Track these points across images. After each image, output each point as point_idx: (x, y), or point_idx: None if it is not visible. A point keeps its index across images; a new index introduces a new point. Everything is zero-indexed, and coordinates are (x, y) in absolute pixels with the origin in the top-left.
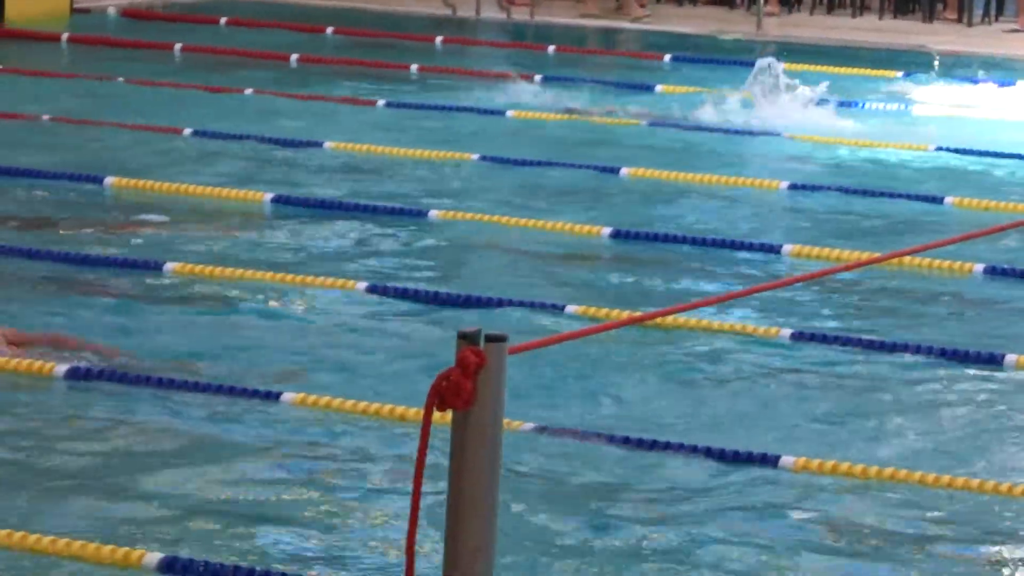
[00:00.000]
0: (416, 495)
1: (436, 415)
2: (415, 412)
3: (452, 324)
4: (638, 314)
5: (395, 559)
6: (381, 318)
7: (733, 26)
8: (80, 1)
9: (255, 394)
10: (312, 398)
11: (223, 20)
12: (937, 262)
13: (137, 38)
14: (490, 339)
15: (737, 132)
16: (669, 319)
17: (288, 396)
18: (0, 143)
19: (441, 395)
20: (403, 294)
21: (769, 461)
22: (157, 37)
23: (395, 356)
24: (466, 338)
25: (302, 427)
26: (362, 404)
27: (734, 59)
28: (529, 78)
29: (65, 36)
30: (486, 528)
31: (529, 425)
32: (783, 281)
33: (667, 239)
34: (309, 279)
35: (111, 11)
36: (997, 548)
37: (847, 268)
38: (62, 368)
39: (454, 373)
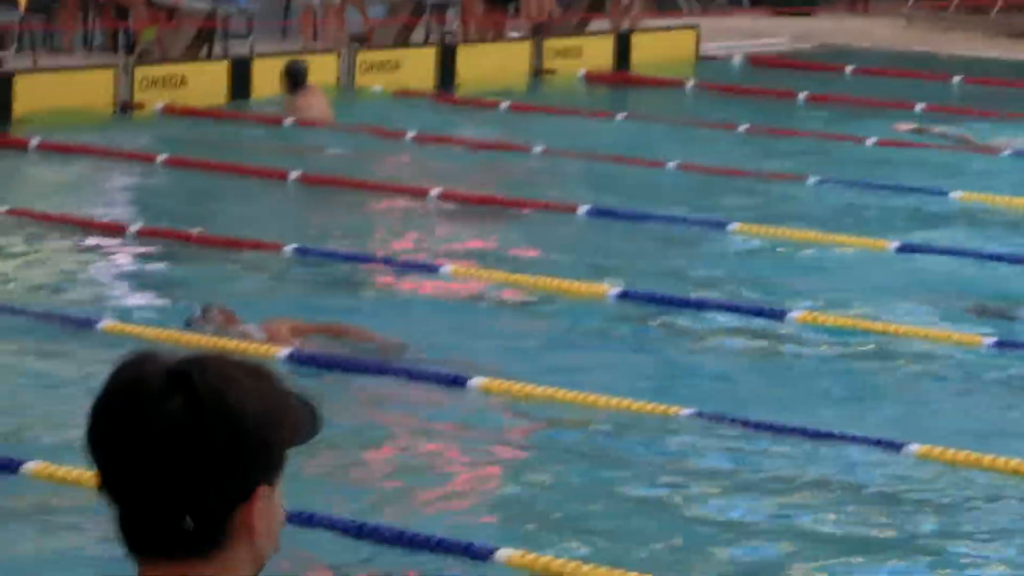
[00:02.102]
0: None
1: None
2: None
3: None
4: None
5: None
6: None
7: None
8: (707, 49)
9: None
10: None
11: (849, 68)
12: None
13: (762, 86)
14: None
15: None
16: None
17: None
18: (627, 188)
19: None
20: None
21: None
22: (781, 85)
23: None
24: None
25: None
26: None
27: None
28: None
29: (690, 83)
30: None
31: None
32: None
33: None
34: (926, 331)
35: (736, 58)
36: None
37: None
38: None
39: None
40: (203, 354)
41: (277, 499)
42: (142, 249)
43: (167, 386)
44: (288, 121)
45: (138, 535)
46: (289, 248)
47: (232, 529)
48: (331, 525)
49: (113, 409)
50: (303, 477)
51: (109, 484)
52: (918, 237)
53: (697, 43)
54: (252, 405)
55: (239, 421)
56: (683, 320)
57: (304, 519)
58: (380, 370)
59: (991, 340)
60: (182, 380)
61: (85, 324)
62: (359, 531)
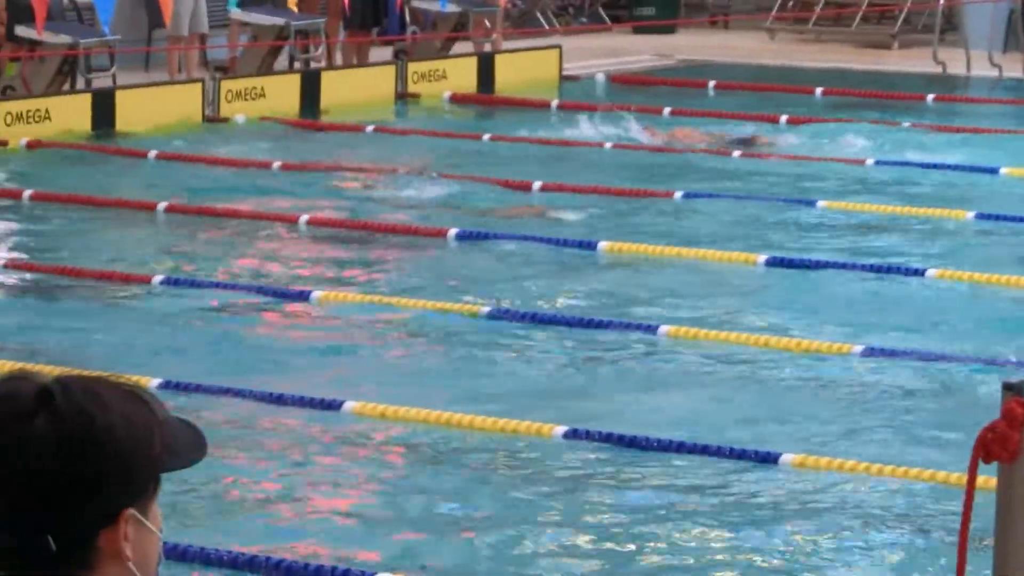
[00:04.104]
0: (962, 550)
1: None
2: (945, 475)
3: (962, 384)
4: None
5: None
6: (885, 380)
7: None
8: (569, 68)
9: (755, 456)
10: (812, 459)
11: (711, 84)
12: None
13: (625, 103)
14: None
15: None
16: None
17: (787, 458)
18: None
19: (987, 447)
20: (901, 355)
21: None
22: (645, 102)
23: (918, 417)
24: (1011, 389)
25: (803, 487)
26: (875, 466)
27: None
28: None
29: (555, 103)
30: None
31: None
32: None
33: None
34: (804, 343)
35: (599, 77)
36: None
37: None
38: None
39: (1000, 425)
40: (77, 375)
41: (150, 525)
42: (10, 282)
43: (35, 404)
44: (152, 153)
45: (4, 554)
46: (158, 279)
47: (98, 554)
48: (205, 558)
49: None
50: (174, 508)
51: None
52: (787, 250)
53: (560, 63)
54: (116, 425)
55: (101, 441)
56: (548, 338)
57: (177, 553)
58: (252, 396)
59: (860, 348)
60: (48, 398)
61: None
62: (234, 562)
